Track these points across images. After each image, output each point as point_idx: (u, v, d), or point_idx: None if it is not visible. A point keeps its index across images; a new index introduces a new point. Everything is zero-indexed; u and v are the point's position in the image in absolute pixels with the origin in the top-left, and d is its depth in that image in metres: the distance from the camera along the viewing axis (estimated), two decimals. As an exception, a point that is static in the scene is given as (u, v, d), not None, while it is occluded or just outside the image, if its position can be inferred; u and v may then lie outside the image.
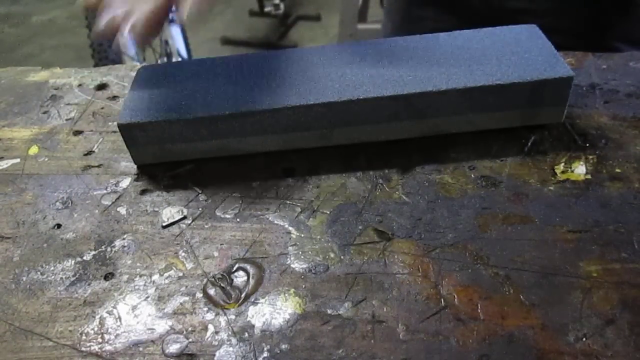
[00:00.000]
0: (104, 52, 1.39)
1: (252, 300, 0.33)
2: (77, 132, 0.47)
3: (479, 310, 0.31)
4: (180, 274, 0.35)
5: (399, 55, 0.43)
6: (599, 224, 0.35)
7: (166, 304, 0.33)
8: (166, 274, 0.35)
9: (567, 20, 0.60)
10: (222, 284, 0.34)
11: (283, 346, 0.31)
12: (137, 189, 0.41)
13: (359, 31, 1.60)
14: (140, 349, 0.31)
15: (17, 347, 0.32)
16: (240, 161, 0.42)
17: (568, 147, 0.41)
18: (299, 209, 0.38)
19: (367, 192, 0.39)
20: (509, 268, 0.33)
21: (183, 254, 0.36)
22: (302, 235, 0.36)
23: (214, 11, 2.59)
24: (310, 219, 0.37)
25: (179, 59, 1.71)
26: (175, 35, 1.74)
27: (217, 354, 0.31)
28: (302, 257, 0.35)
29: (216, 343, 0.31)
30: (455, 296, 0.32)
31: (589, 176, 0.38)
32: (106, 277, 0.35)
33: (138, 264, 0.36)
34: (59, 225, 0.39)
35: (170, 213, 0.39)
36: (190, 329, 0.32)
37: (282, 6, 2.46)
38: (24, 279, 0.36)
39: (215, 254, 0.36)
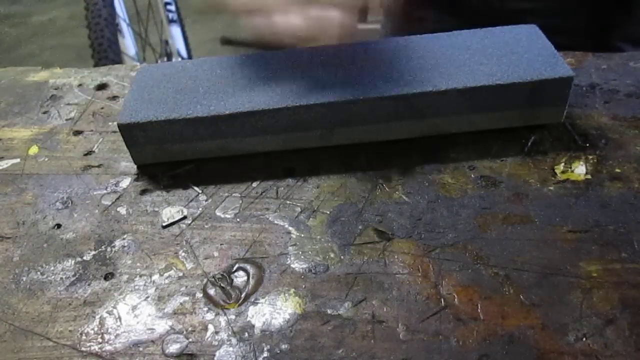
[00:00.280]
0: (104, 52, 1.40)
1: (252, 300, 0.33)
2: (77, 132, 0.47)
3: (479, 310, 0.31)
4: (180, 274, 0.35)
5: (399, 55, 0.43)
6: (599, 224, 0.35)
7: (166, 304, 0.33)
8: (166, 274, 0.35)
9: (567, 20, 0.60)
10: (222, 284, 0.34)
11: (283, 346, 0.31)
12: (137, 189, 0.41)
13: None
14: (140, 349, 0.31)
15: (17, 347, 0.32)
16: (240, 161, 0.42)
17: (568, 147, 0.41)
18: (299, 209, 0.38)
19: (367, 192, 0.39)
20: (509, 268, 0.33)
21: (183, 254, 0.36)
22: (302, 235, 0.36)
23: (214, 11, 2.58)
24: (310, 219, 0.37)
25: (179, 59, 1.71)
26: (175, 35, 1.74)
27: (217, 354, 0.31)
28: (302, 257, 0.35)
29: (216, 343, 0.31)
30: (455, 296, 0.32)
31: (589, 176, 0.38)
32: (106, 277, 0.35)
33: (138, 264, 0.36)
34: (59, 225, 0.39)
35: (170, 213, 0.39)
36: (190, 329, 0.32)
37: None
38: (24, 279, 0.36)
39: (215, 254, 0.36)
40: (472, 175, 0.39)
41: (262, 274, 0.34)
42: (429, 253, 0.34)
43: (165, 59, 1.72)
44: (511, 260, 0.34)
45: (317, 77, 0.42)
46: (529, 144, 0.41)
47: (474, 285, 0.32)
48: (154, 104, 0.41)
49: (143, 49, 1.67)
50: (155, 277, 0.35)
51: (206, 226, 0.38)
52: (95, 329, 0.32)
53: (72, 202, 0.40)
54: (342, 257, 0.35)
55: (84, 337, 0.32)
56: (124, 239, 0.37)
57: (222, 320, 0.32)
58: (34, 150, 0.45)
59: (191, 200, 0.40)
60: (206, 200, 0.40)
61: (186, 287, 0.34)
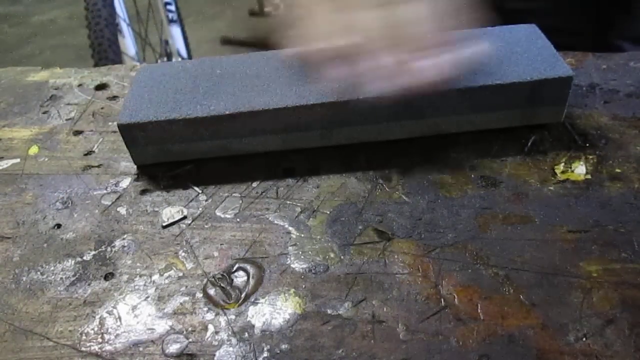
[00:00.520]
0: (104, 52, 1.40)
1: (252, 300, 0.33)
2: (77, 132, 0.47)
3: (479, 310, 0.31)
4: (180, 274, 0.35)
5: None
6: (599, 224, 0.35)
7: (166, 304, 0.33)
8: (166, 274, 0.35)
9: (567, 20, 0.60)
10: (222, 284, 0.34)
11: (283, 346, 0.31)
12: (137, 189, 0.41)
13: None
14: (140, 349, 0.31)
15: (17, 347, 0.32)
16: (240, 161, 0.42)
17: (568, 147, 0.41)
18: (299, 209, 0.38)
19: (367, 192, 0.39)
20: (509, 268, 0.33)
21: (183, 254, 0.36)
22: (302, 235, 0.36)
23: (214, 11, 2.59)
24: (310, 219, 0.37)
25: (179, 59, 1.71)
26: (175, 35, 1.74)
27: (217, 354, 0.31)
28: (302, 257, 0.35)
29: (216, 343, 0.31)
30: (455, 296, 0.32)
31: (589, 176, 0.38)
32: (106, 277, 0.35)
33: (138, 264, 0.36)
34: (59, 225, 0.39)
35: (170, 213, 0.39)
36: (190, 329, 0.32)
37: (282, 6, 2.45)
38: (24, 279, 0.36)
39: (215, 254, 0.36)
40: (472, 175, 0.39)
41: (262, 274, 0.34)
42: (429, 253, 0.34)
43: (165, 59, 1.72)
44: (511, 260, 0.34)
45: (317, 77, 0.42)
46: (529, 144, 0.41)
47: (474, 285, 0.32)
48: (154, 104, 0.41)
49: (143, 49, 1.67)
50: (155, 277, 0.35)
51: (206, 226, 0.38)
52: (95, 329, 0.32)
53: (72, 202, 0.40)
54: (342, 257, 0.35)
55: (84, 337, 0.32)
56: (124, 239, 0.37)
57: (222, 320, 0.32)
58: (34, 150, 0.45)
59: (191, 200, 0.40)
60: (206, 200, 0.40)
61: (186, 287, 0.34)
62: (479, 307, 0.31)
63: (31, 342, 0.32)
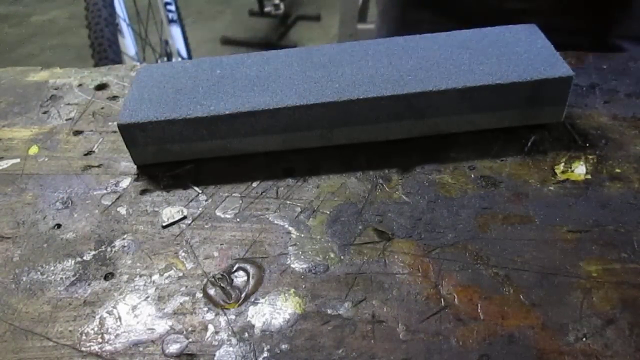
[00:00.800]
0: (104, 52, 1.40)
1: (252, 300, 0.33)
2: (77, 132, 0.47)
3: (479, 310, 0.31)
4: (180, 274, 0.35)
5: (399, 55, 0.43)
6: (599, 224, 0.35)
7: (166, 304, 0.33)
8: (166, 274, 0.35)
9: (566, 19, 0.60)
10: (222, 284, 0.34)
11: (283, 346, 0.31)
12: (137, 189, 0.41)
13: (359, 31, 1.60)
14: (140, 349, 0.31)
15: (17, 347, 0.32)
16: (240, 161, 0.42)
17: (568, 147, 0.41)
18: (299, 209, 0.38)
19: (367, 192, 0.39)
20: (509, 268, 0.33)
21: (183, 254, 0.36)
22: (302, 235, 0.36)
23: (214, 11, 2.59)
24: (310, 219, 0.37)
25: (179, 59, 1.72)
26: (175, 35, 1.74)
27: (217, 354, 0.31)
28: (302, 257, 0.35)
29: (216, 343, 0.31)
30: (455, 296, 0.32)
31: (589, 176, 0.38)
32: (106, 277, 0.35)
33: (138, 264, 0.36)
34: (59, 225, 0.39)
35: (170, 213, 0.39)
36: (190, 329, 0.32)
37: (282, 6, 2.46)
38: (24, 279, 0.36)
39: (215, 254, 0.36)
40: (472, 175, 0.39)
41: (262, 274, 0.34)
42: (429, 253, 0.34)
43: (165, 59, 1.72)
44: (511, 260, 0.34)
45: (317, 77, 0.42)
46: (529, 144, 0.41)
47: (474, 285, 0.32)
48: (154, 104, 0.41)
49: (143, 49, 1.67)
50: (155, 277, 0.35)
51: (206, 226, 0.38)
52: (95, 329, 0.32)
53: (72, 202, 0.40)
54: (342, 257, 0.35)
55: (84, 337, 0.32)
56: (124, 239, 0.37)
57: (222, 320, 0.32)
58: (34, 150, 0.45)
59: (191, 200, 0.40)
60: (206, 200, 0.40)
61: (186, 287, 0.34)
62: (479, 307, 0.31)
63: (31, 342, 0.32)
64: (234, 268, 0.35)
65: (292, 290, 0.33)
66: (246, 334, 0.31)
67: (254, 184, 0.40)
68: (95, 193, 0.41)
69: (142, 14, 1.67)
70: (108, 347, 0.31)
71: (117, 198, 0.40)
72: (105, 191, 0.41)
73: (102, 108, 0.49)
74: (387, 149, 0.42)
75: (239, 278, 0.34)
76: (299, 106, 0.39)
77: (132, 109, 0.41)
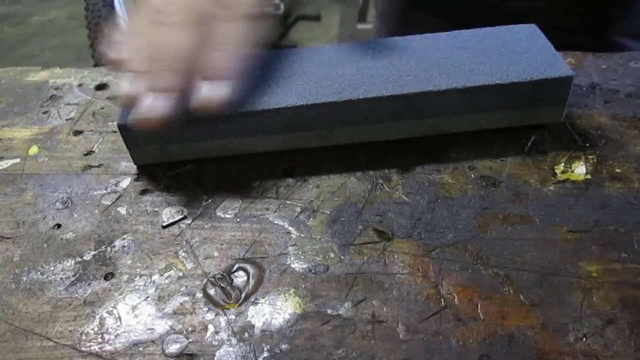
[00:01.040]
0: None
1: (252, 300, 0.33)
2: (77, 132, 0.47)
3: (479, 310, 0.31)
4: (180, 274, 0.35)
5: (399, 55, 0.43)
6: (599, 224, 0.35)
7: (166, 304, 0.33)
8: (166, 274, 0.35)
9: (566, 17, 0.60)
10: (222, 284, 0.34)
11: (283, 346, 0.31)
12: (137, 189, 0.41)
13: (359, 31, 1.60)
14: (140, 349, 0.31)
15: (17, 347, 0.32)
16: (240, 161, 0.42)
17: (568, 147, 0.41)
18: (299, 209, 0.38)
19: (367, 192, 0.39)
20: (509, 268, 0.33)
21: (183, 254, 0.36)
22: (302, 235, 0.36)
23: (214, 11, 2.58)
24: (310, 219, 0.37)
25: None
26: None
27: (217, 354, 0.31)
28: (302, 257, 0.35)
29: (216, 343, 0.31)
30: (455, 296, 0.32)
31: (589, 176, 0.38)
32: (106, 277, 0.35)
33: (138, 264, 0.36)
34: (59, 225, 0.39)
35: (170, 213, 0.39)
36: (190, 329, 0.32)
37: (282, 6, 2.46)
38: (24, 279, 0.36)
39: (215, 254, 0.36)
40: (472, 175, 0.39)
41: (262, 274, 0.34)
42: (429, 253, 0.34)
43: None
44: (511, 260, 0.34)
45: (317, 77, 0.42)
46: (529, 144, 0.41)
47: (474, 285, 0.32)
48: (154, 104, 0.41)
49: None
50: (155, 277, 0.35)
51: (206, 226, 0.38)
52: (95, 329, 0.32)
53: (72, 202, 0.40)
54: (342, 257, 0.35)
55: (84, 337, 0.32)
56: (124, 239, 0.37)
57: (222, 320, 0.32)
58: (34, 150, 0.45)
59: (191, 200, 0.40)
60: (206, 200, 0.40)
61: (186, 287, 0.34)
62: (479, 307, 0.31)
63: (31, 342, 0.32)
64: (234, 268, 0.35)
65: (292, 290, 0.33)
66: (246, 334, 0.31)
67: (254, 184, 0.40)
68: (95, 193, 0.41)
69: (142, 14, 1.67)
70: (108, 347, 0.31)
71: (117, 198, 0.40)
72: (105, 191, 0.41)
73: (102, 108, 0.49)
74: (387, 149, 0.42)
75: (239, 278, 0.34)
76: (299, 106, 0.39)
77: (132, 108, 0.41)
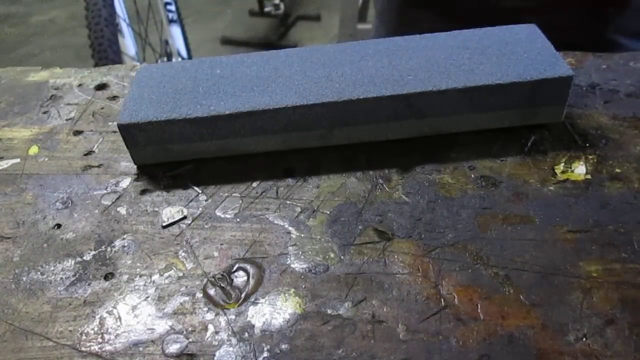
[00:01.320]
0: (104, 52, 1.40)
1: (252, 300, 0.33)
2: (77, 132, 0.47)
3: (479, 310, 0.31)
4: (180, 274, 0.35)
5: (399, 55, 0.43)
6: (599, 224, 0.35)
7: (166, 304, 0.33)
8: (166, 274, 0.35)
9: (565, 16, 0.60)
10: (222, 284, 0.34)
11: (283, 346, 0.31)
12: (137, 189, 0.41)
13: (359, 31, 1.60)
14: (140, 349, 0.31)
15: (17, 347, 0.32)
16: (240, 161, 0.42)
17: (568, 147, 0.41)
18: (299, 209, 0.38)
19: (367, 192, 0.39)
20: (509, 268, 0.33)
21: (183, 254, 0.36)
22: (302, 235, 0.36)
23: (214, 11, 2.59)
24: (310, 219, 0.37)
25: (179, 59, 1.72)
26: (175, 35, 1.74)
27: (217, 354, 0.31)
28: (302, 257, 0.35)
29: (216, 343, 0.31)
30: (455, 296, 0.32)
31: (589, 176, 0.38)
32: (106, 277, 0.35)
33: (138, 264, 0.36)
34: (59, 225, 0.39)
35: (170, 213, 0.39)
36: (190, 329, 0.32)
37: (282, 6, 2.46)
38: (24, 279, 0.36)
39: (215, 254, 0.36)
40: (472, 175, 0.39)
41: (262, 274, 0.34)
42: (429, 253, 0.34)
43: (165, 59, 1.72)
44: (511, 260, 0.34)
45: (317, 77, 0.42)
46: (529, 144, 0.41)
47: (474, 285, 0.32)
48: (154, 104, 0.41)
49: (143, 49, 1.67)
50: (155, 277, 0.35)
51: (206, 226, 0.38)
52: (95, 329, 0.32)
53: (72, 202, 0.40)
54: (342, 257, 0.35)
55: (84, 337, 0.32)
56: (124, 239, 0.37)
57: (222, 320, 0.32)
58: (34, 150, 0.45)
59: (191, 200, 0.40)
60: (206, 200, 0.40)
61: (186, 287, 0.34)
62: (479, 307, 0.31)
63: (31, 342, 0.32)
64: (234, 268, 0.35)
65: (292, 290, 0.33)
66: (246, 334, 0.31)
67: (254, 184, 0.40)
68: (95, 193, 0.41)
69: (142, 14, 1.67)
70: (108, 347, 0.31)
71: (117, 198, 0.40)
72: (105, 191, 0.41)
73: (102, 108, 0.49)
74: (387, 149, 0.42)
75: (239, 278, 0.34)
76: (299, 106, 0.40)
77: (132, 109, 0.41)
